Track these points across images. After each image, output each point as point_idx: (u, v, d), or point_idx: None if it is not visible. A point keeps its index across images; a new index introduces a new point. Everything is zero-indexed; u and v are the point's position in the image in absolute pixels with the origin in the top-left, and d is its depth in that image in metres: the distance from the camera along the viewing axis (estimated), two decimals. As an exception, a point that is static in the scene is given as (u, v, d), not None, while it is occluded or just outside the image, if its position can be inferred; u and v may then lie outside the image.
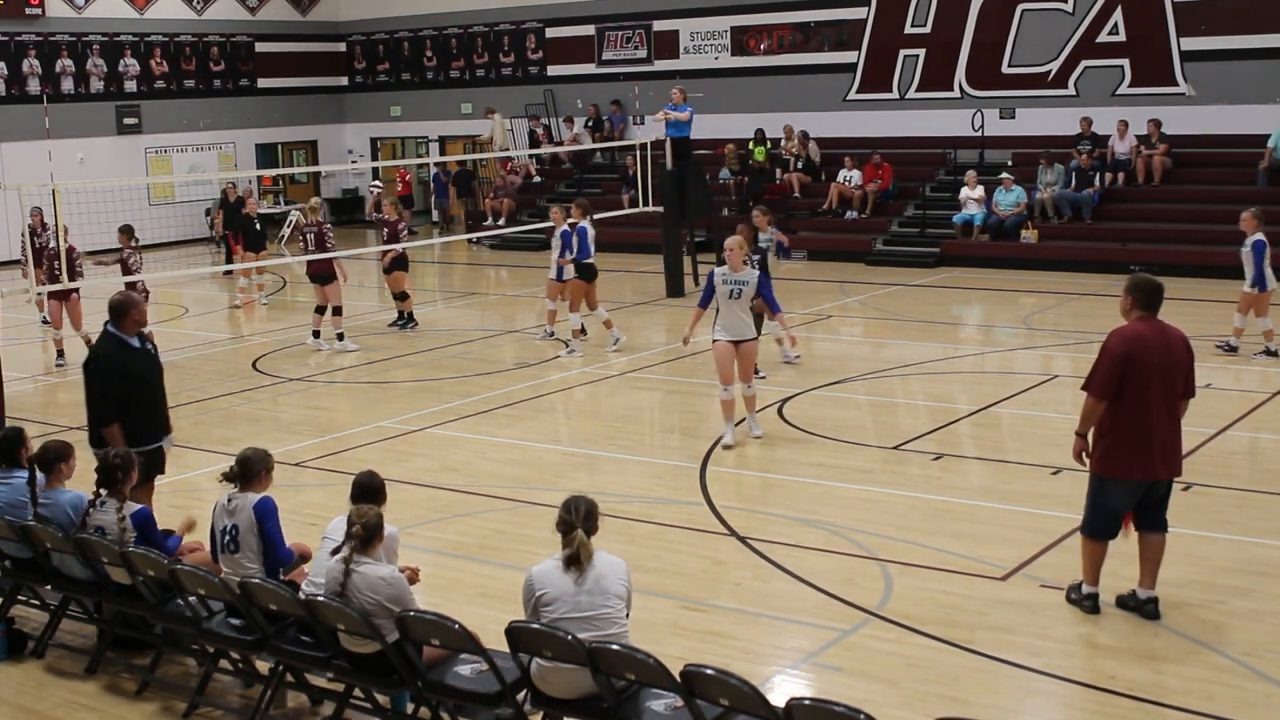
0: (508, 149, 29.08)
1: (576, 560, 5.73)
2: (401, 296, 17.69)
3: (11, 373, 14.63)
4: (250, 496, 6.84)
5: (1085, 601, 7.51)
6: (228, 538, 6.79)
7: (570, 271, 15.82)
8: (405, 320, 17.74)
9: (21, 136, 26.91)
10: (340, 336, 16.38)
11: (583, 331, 15.91)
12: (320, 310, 16.48)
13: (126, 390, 8.30)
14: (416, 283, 23.97)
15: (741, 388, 11.35)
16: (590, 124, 28.54)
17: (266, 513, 6.78)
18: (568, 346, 15.69)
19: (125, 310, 8.40)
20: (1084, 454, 7.47)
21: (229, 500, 6.86)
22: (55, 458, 7.57)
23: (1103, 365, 7.25)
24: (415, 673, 5.97)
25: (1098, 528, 7.47)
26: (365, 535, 6.06)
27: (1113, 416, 7.26)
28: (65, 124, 27.67)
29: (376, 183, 23.07)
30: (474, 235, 25.63)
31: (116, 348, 8.39)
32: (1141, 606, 7.52)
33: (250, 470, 6.89)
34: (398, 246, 17.29)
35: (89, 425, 8.49)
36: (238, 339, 18.24)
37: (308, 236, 16.52)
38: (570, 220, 15.87)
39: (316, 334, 16.50)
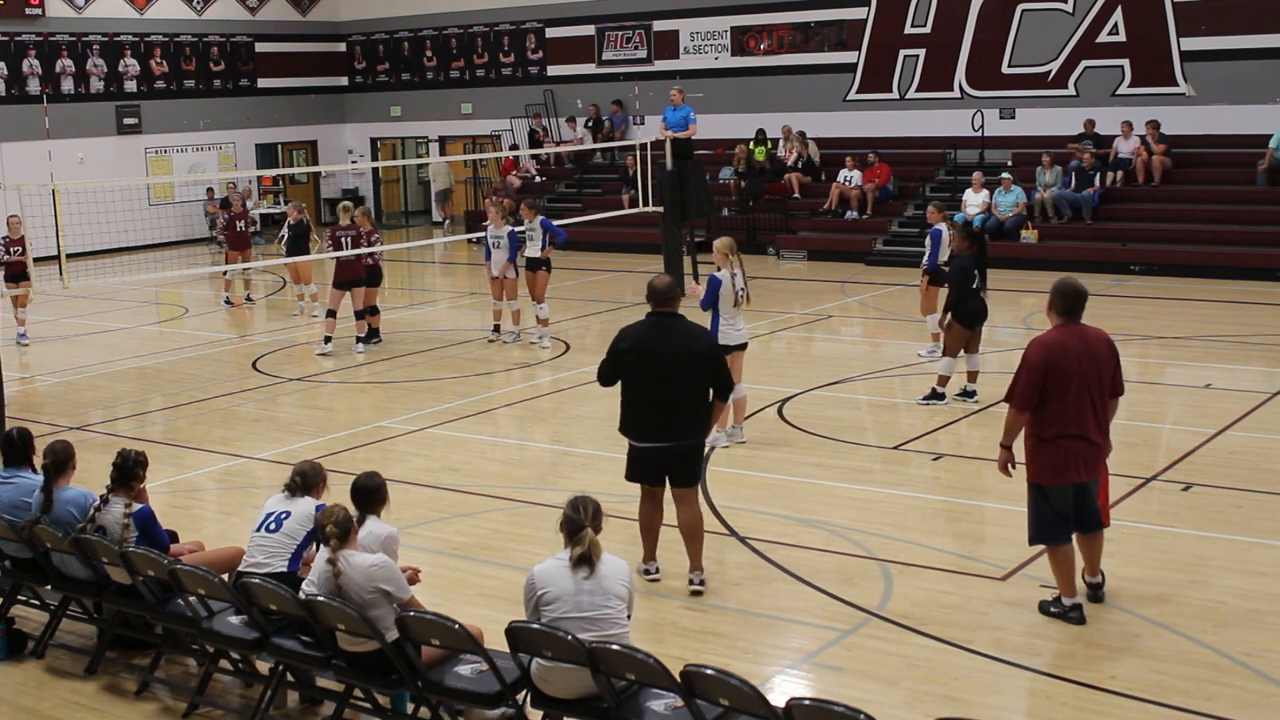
0: (448, 187, 29.89)
1: (588, 559, 5.75)
2: (372, 311, 16.47)
3: (14, 372, 14.64)
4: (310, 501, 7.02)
5: (1072, 613, 7.49)
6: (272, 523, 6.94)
7: (504, 269, 16.16)
8: (370, 335, 16.54)
9: (21, 136, 26.89)
10: (358, 340, 16.25)
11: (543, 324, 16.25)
12: (360, 315, 16.15)
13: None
14: (417, 282, 24.02)
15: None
16: (590, 124, 28.54)
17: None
18: (542, 340, 16.06)
19: (678, 294, 8.46)
20: (1009, 465, 7.50)
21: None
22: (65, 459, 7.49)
23: (1022, 377, 7.27)
24: (415, 673, 5.98)
25: (1050, 533, 7.45)
26: (340, 532, 6.14)
27: (1039, 425, 7.29)
28: (65, 124, 27.67)
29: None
30: (474, 235, 25.60)
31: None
32: (1092, 592, 7.69)
33: (310, 481, 7.09)
34: (364, 251, 15.90)
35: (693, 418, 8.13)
36: (238, 339, 18.23)
37: (343, 241, 15.82)
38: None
39: (360, 339, 16.20)
